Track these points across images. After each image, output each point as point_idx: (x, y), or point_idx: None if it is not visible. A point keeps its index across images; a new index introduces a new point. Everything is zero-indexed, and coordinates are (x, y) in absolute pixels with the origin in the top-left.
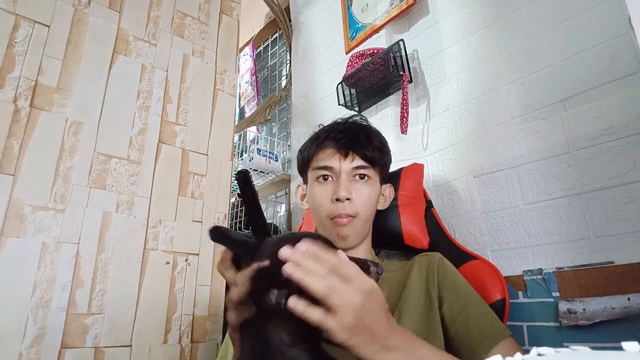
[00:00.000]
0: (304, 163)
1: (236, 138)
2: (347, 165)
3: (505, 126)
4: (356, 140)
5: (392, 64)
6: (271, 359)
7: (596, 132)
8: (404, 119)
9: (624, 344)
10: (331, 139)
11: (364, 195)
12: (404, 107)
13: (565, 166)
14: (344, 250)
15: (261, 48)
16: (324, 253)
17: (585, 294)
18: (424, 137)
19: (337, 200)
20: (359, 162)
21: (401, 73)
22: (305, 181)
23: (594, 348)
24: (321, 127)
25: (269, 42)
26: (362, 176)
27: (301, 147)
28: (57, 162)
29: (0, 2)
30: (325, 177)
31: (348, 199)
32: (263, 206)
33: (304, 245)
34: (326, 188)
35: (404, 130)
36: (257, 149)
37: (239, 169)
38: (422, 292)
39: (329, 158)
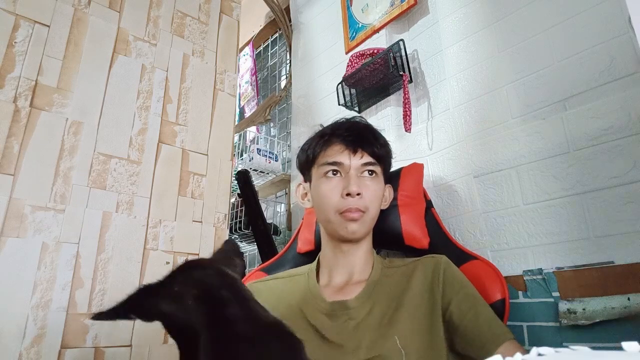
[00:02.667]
0: (308, 161)
1: (236, 138)
2: (356, 161)
3: (505, 126)
4: (364, 137)
5: (392, 64)
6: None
7: (596, 132)
8: (407, 117)
9: (624, 344)
10: (338, 136)
11: (372, 191)
12: (407, 105)
13: (565, 166)
14: (350, 243)
15: (261, 48)
16: None
17: (585, 294)
18: (423, 137)
19: (348, 195)
20: (367, 158)
21: (401, 73)
22: (306, 180)
23: (594, 348)
24: (321, 126)
25: (269, 42)
26: (370, 172)
27: (303, 145)
28: (57, 162)
29: (0, 2)
30: (334, 172)
31: (359, 194)
32: (263, 206)
33: None
34: (335, 184)
35: (407, 128)
36: (257, 149)
37: (239, 169)
38: (425, 292)
39: (338, 154)
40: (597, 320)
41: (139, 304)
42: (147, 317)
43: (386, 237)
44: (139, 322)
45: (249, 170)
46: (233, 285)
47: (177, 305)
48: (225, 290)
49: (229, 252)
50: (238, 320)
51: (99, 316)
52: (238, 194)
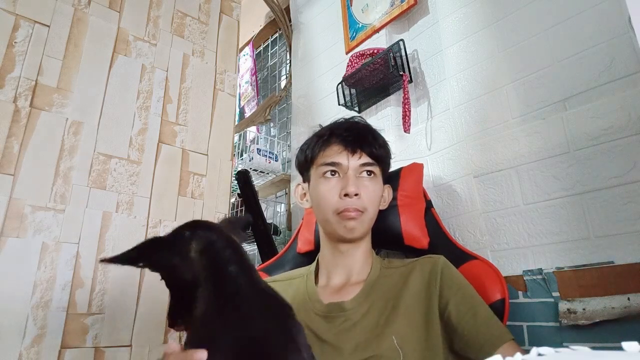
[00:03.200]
0: (307, 161)
1: (236, 138)
2: (354, 162)
3: (505, 126)
4: (363, 138)
5: (392, 64)
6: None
7: (596, 132)
8: (407, 117)
9: (624, 344)
10: (337, 136)
11: (370, 192)
12: (406, 106)
13: (565, 166)
14: (349, 242)
15: (261, 48)
16: None
17: (585, 294)
18: (423, 137)
19: (346, 195)
20: (366, 159)
21: (401, 73)
22: (305, 180)
23: (594, 348)
24: (321, 126)
25: (269, 42)
26: (369, 172)
27: (302, 145)
28: (57, 162)
29: (0, 2)
30: (332, 173)
31: (356, 195)
32: (263, 206)
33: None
34: (334, 184)
35: (406, 129)
36: (257, 149)
37: (239, 169)
38: (422, 293)
39: (336, 155)
40: (597, 320)
41: (148, 254)
42: (154, 267)
43: (386, 237)
44: (138, 322)
45: (249, 170)
46: (236, 249)
47: (182, 258)
48: (229, 251)
49: (236, 224)
50: (238, 279)
51: (110, 260)
52: (238, 194)
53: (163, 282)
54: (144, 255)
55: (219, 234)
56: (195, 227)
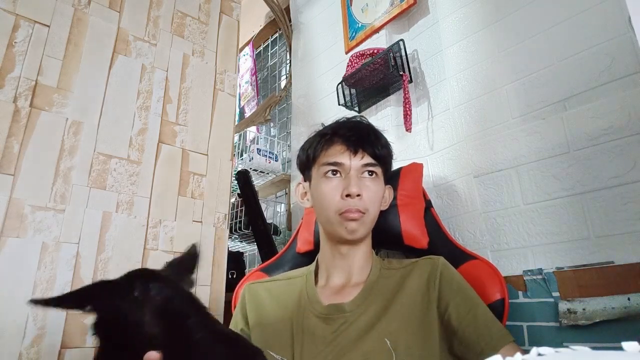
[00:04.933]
0: (309, 160)
1: (236, 138)
2: (357, 162)
3: (505, 126)
4: (366, 138)
5: (392, 64)
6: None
7: (596, 132)
8: (408, 116)
9: (624, 344)
10: (340, 136)
11: (372, 192)
12: (407, 105)
13: (565, 166)
14: (350, 243)
15: (261, 48)
16: None
17: (585, 294)
18: (424, 137)
19: (348, 196)
20: (368, 159)
21: (401, 73)
22: (306, 179)
23: (594, 348)
24: (323, 126)
25: (269, 42)
26: (370, 173)
27: (304, 144)
28: (57, 162)
29: (0, 2)
30: (334, 172)
31: (358, 195)
32: (263, 206)
33: None
34: (336, 184)
35: (408, 128)
36: (257, 149)
37: (239, 169)
38: (420, 294)
39: (339, 154)
40: (597, 320)
41: (97, 297)
42: (100, 311)
43: (385, 236)
44: None
45: (249, 170)
46: (193, 300)
47: (136, 310)
48: (186, 304)
49: (182, 266)
50: (197, 332)
51: (44, 302)
52: (238, 194)
53: None
54: (91, 297)
55: (175, 289)
56: (145, 278)
